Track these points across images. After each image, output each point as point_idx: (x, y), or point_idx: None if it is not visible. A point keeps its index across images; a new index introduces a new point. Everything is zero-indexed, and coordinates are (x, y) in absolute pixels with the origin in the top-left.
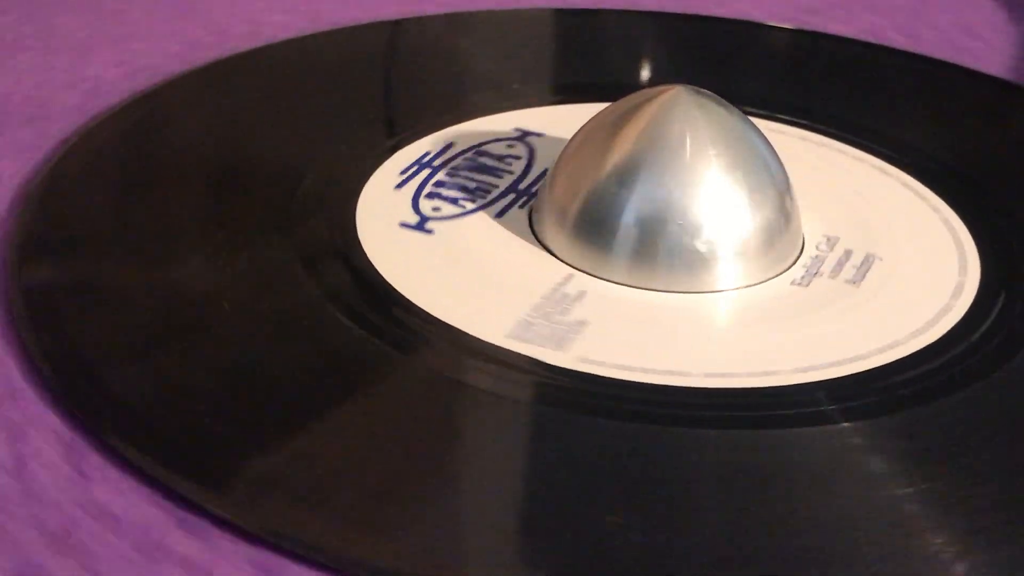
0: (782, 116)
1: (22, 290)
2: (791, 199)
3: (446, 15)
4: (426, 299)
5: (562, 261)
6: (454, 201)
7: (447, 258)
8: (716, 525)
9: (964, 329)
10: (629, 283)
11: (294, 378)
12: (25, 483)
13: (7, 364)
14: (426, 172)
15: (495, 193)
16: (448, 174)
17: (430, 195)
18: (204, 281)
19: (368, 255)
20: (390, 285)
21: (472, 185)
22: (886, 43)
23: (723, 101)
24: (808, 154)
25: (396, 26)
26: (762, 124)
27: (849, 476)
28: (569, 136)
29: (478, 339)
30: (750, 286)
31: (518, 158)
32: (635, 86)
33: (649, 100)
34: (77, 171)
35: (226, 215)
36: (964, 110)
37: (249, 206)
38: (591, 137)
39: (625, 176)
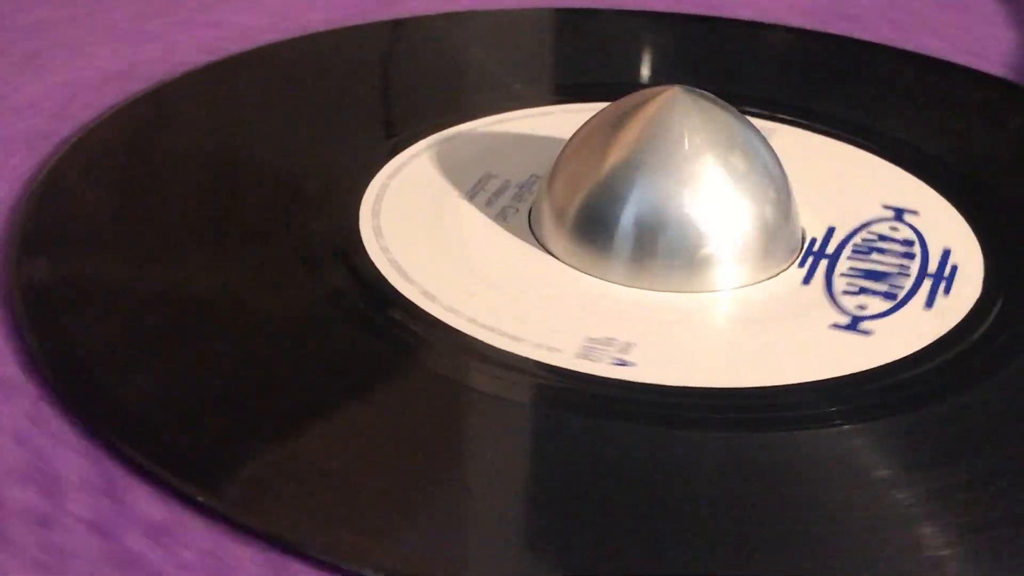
0: (782, 116)
1: (22, 289)
2: (790, 199)
3: (446, 15)
4: (427, 300)
5: (561, 261)
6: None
7: (448, 258)
8: (716, 526)
9: (964, 329)
10: (628, 283)
11: (294, 378)
12: (25, 482)
13: (6, 363)
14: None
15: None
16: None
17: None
18: (204, 281)
19: (370, 255)
20: (391, 286)
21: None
22: (886, 43)
23: (722, 101)
24: (808, 154)
25: (396, 26)
26: (762, 124)
27: (849, 477)
28: (569, 136)
29: (479, 340)
30: (749, 286)
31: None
32: (635, 86)
33: (648, 100)
34: (77, 171)
35: (226, 215)
36: (964, 110)
37: (249, 206)
38: (590, 137)
39: (624, 176)
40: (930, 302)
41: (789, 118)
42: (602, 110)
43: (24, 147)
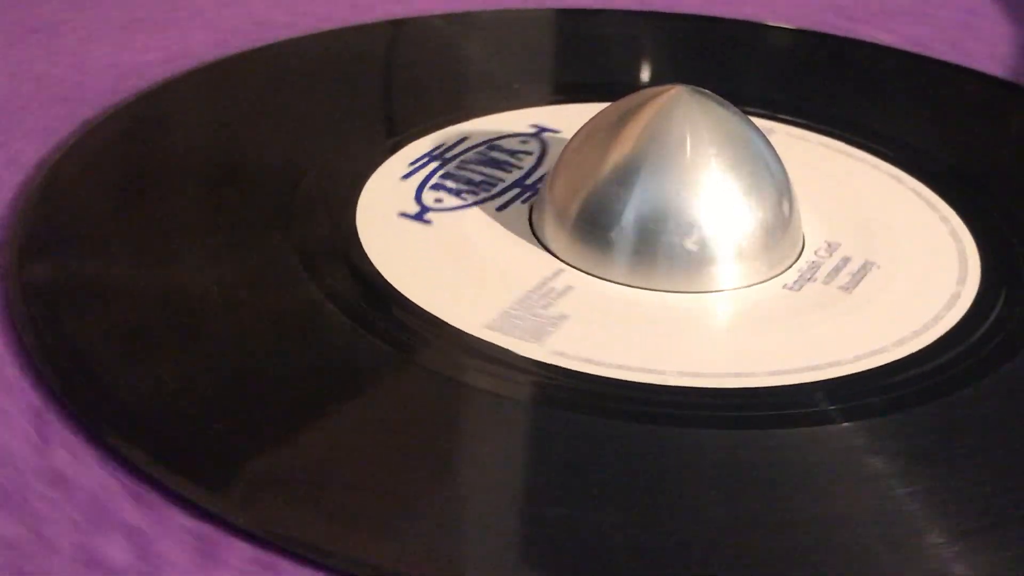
0: (782, 116)
1: (22, 289)
2: (791, 199)
3: (446, 15)
4: (427, 298)
5: (561, 260)
6: (457, 193)
7: (446, 255)
8: (715, 525)
9: (964, 329)
10: (628, 283)
11: (293, 377)
12: (25, 482)
13: (7, 363)
14: (434, 164)
15: (499, 187)
16: (457, 167)
17: (435, 187)
18: (204, 280)
19: (368, 254)
20: (390, 284)
21: (478, 178)
22: (886, 43)
23: (723, 101)
24: (808, 154)
25: (396, 26)
26: (762, 124)
27: (849, 476)
28: (569, 136)
29: (479, 339)
30: (749, 286)
31: (529, 154)
32: (635, 86)
33: (649, 100)
34: (77, 171)
35: (226, 214)
36: (964, 110)
37: (249, 205)
38: (591, 137)
39: (625, 176)
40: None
41: (789, 118)
42: (603, 110)
43: (23, 147)
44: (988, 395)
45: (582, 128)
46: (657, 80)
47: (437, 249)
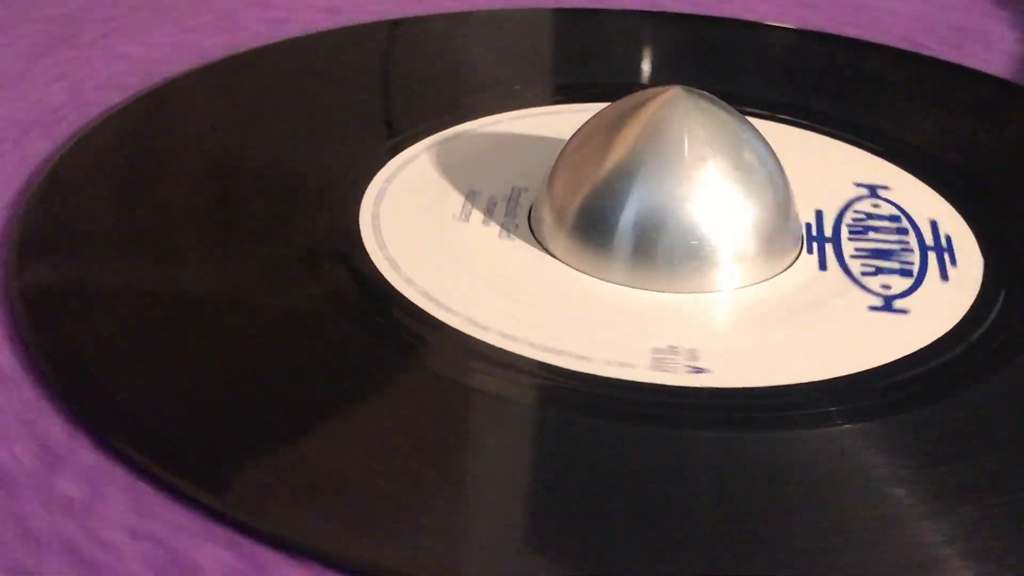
0: (782, 116)
1: (22, 290)
2: (789, 199)
3: (446, 15)
4: (427, 300)
5: (561, 261)
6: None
7: (447, 256)
8: (716, 525)
9: (964, 329)
10: (628, 284)
11: (294, 378)
12: (25, 481)
13: (7, 363)
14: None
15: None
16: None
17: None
18: (204, 281)
19: (370, 255)
20: (391, 286)
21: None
22: (886, 43)
23: (721, 102)
24: (807, 154)
25: (396, 26)
26: (762, 124)
27: (849, 476)
28: (568, 136)
29: (480, 340)
30: (749, 286)
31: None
32: (635, 86)
33: (648, 101)
34: (77, 171)
35: (227, 215)
36: (964, 110)
37: (250, 206)
38: (590, 137)
39: (624, 176)
40: (944, 274)
41: (788, 118)
42: (602, 110)
43: (23, 147)
44: (988, 395)
45: (581, 129)
46: (656, 80)
47: (437, 250)
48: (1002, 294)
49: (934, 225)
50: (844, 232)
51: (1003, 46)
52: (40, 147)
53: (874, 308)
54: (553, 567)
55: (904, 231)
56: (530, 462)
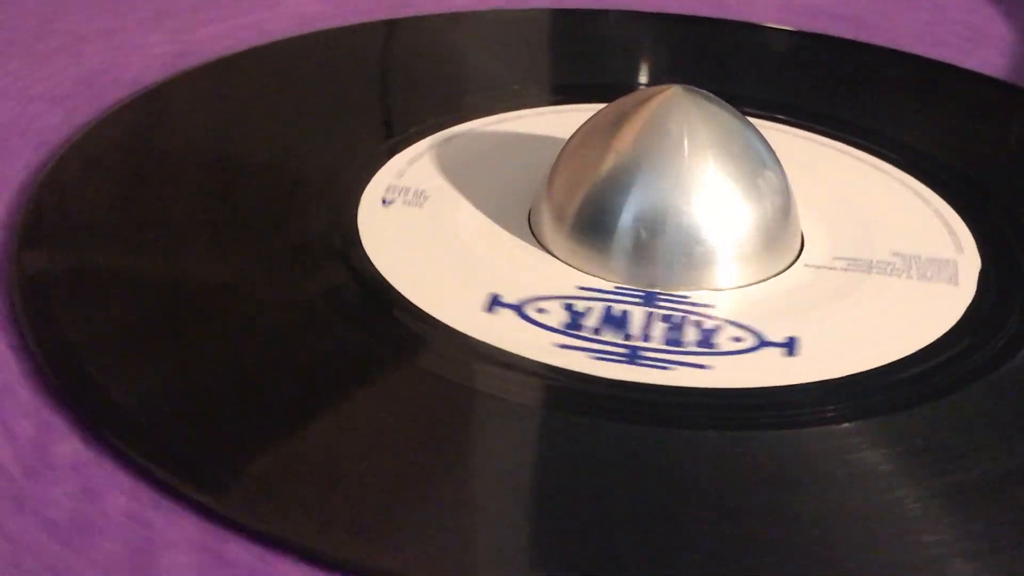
0: (782, 116)
1: (22, 286)
2: (790, 199)
3: (446, 15)
4: (426, 299)
5: (561, 261)
6: None
7: (446, 256)
8: (716, 525)
9: (964, 329)
10: (628, 283)
11: (293, 377)
12: (24, 481)
13: (6, 360)
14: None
15: None
16: None
17: None
18: (204, 280)
19: (369, 255)
20: (390, 285)
21: None
22: (886, 43)
23: (721, 101)
24: (807, 154)
25: (396, 26)
26: (761, 124)
27: (849, 476)
28: (568, 136)
29: (479, 340)
30: (748, 286)
31: None
32: (634, 86)
33: (647, 100)
34: (78, 169)
35: (226, 215)
36: (964, 110)
37: (249, 206)
38: (589, 137)
39: (623, 176)
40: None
41: (788, 118)
42: (602, 110)
43: (24, 145)
44: (988, 395)
45: (580, 128)
46: (655, 80)
47: (437, 250)
48: (1002, 294)
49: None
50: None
51: (1003, 46)
52: (40, 145)
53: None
54: (552, 567)
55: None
56: (530, 462)
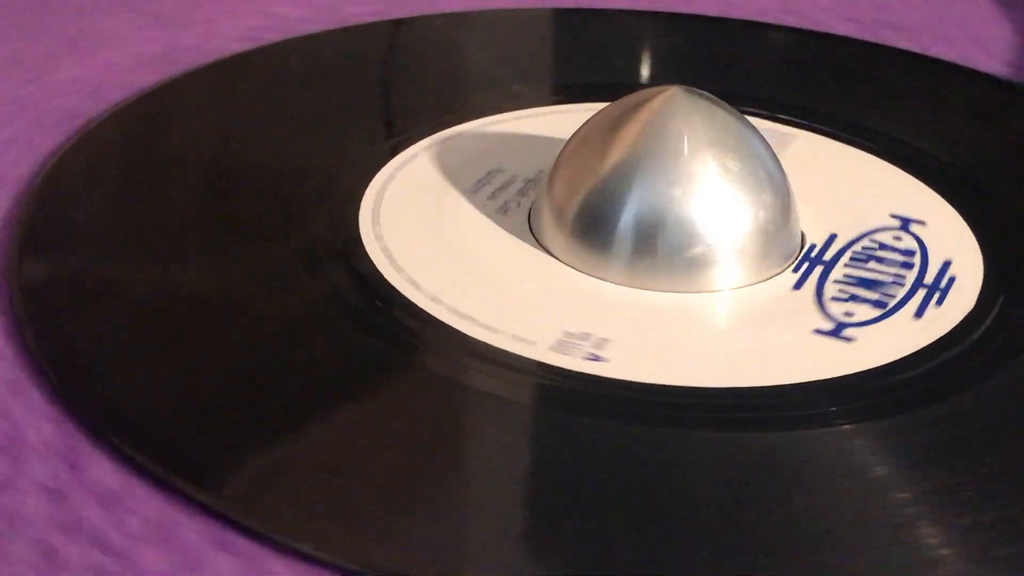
0: (782, 116)
1: (22, 289)
2: (790, 200)
3: (446, 15)
4: (427, 300)
5: (561, 261)
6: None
7: (447, 256)
8: (715, 526)
9: (964, 329)
10: (628, 283)
11: (294, 378)
12: (24, 480)
13: (6, 362)
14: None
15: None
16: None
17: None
18: (204, 281)
19: (369, 255)
20: (391, 286)
21: (885, 279)
22: (886, 43)
23: (721, 101)
24: (807, 154)
25: (396, 26)
26: (760, 124)
27: (848, 477)
28: (568, 136)
29: (479, 340)
30: (749, 286)
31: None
32: (635, 86)
33: (647, 100)
34: (77, 170)
35: (226, 215)
36: (964, 110)
37: (249, 206)
38: (589, 137)
39: (624, 176)
40: (920, 312)
41: (788, 118)
42: (602, 110)
43: (24, 146)
44: (989, 396)
45: (580, 129)
46: (656, 80)
47: (437, 249)
48: (1002, 294)
49: (946, 265)
50: (845, 257)
51: (1003, 46)
52: (40, 146)
53: (820, 332)
54: (551, 567)
55: (910, 266)
56: (530, 462)
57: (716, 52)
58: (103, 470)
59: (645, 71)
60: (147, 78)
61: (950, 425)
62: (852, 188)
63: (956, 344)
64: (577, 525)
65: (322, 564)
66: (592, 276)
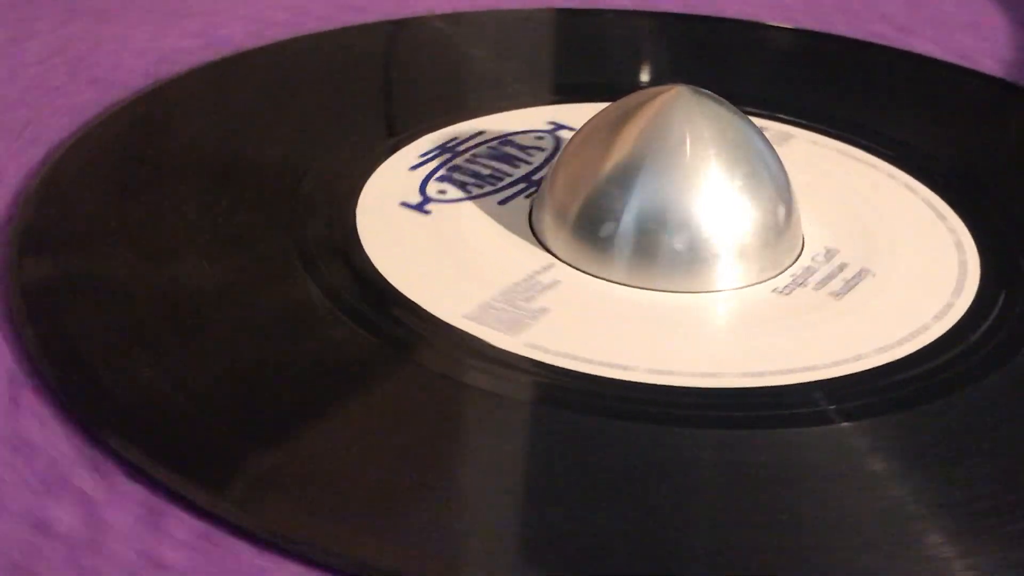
0: (782, 116)
1: (22, 288)
2: (790, 199)
3: (446, 15)
4: (426, 298)
5: (561, 261)
6: (462, 186)
7: (446, 254)
8: (714, 525)
9: (964, 329)
10: (628, 283)
11: (293, 376)
12: (24, 481)
13: (7, 362)
14: (445, 156)
15: (505, 182)
16: (466, 160)
17: (441, 178)
18: (204, 280)
19: (368, 254)
20: (390, 284)
21: (486, 172)
22: (886, 43)
23: (723, 101)
24: (808, 154)
25: (396, 26)
26: (762, 124)
27: (848, 476)
28: (569, 136)
29: (479, 339)
30: (749, 286)
31: (541, 150)
32: (635, 86)
33: (649, 100)
34: (77, 170)
35: (226, 214)
36: (964, 110)
37: (249, 205)
38: (591, 137)
39: (625, 176)
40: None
41: (788, 117)
42: (603, 110)
43: (24, 146)
44: (988, 395)
45: (582, 128)
46: (657, 80)
47: (436, 248)
48: (1002, 294)
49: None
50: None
51: (1003, 46)
52: (40, 146)
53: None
54: (549, 566)
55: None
56: (528, 461)
57: (718, 51)
58: (103, 470)
59: (645, 71)
60: (147, 78)
61: (950, 424)
62: (852, 188)
63: (956, 343)
64: (573, 524)
65: (322, 563)
66: (593, 276)
